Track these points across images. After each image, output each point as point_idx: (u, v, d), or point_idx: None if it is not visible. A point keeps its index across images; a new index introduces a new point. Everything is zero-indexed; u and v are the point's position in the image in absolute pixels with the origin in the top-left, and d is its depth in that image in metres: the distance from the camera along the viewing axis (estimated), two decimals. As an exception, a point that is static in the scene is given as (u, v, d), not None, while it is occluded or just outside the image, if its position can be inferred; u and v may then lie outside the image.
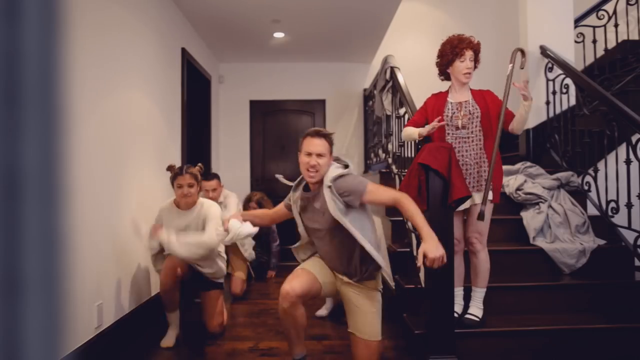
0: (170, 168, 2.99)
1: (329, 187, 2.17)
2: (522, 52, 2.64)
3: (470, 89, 2.61)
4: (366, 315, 2.26)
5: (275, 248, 4.90)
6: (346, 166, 2.30)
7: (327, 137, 2.27)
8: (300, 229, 2.40)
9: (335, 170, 2.25)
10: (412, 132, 2.57)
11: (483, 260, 2.53)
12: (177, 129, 4.18)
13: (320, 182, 2.24)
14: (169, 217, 2.96)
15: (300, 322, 2.24)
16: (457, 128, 2.54)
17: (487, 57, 2.84)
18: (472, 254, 2.56)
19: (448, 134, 2.55)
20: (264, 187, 5.70)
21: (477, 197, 2.50)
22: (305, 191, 2.34)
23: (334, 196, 2.15)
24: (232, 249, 4.01)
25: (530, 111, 2.43)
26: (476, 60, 2.57)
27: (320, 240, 2.31)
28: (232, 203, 4.04)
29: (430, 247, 1.96)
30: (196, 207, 2.95)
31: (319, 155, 2.21)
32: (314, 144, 2.22)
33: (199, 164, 3.10)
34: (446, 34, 2.69)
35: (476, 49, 2.55)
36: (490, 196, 2.48)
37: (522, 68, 2.66)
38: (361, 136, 6.11)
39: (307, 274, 2.26)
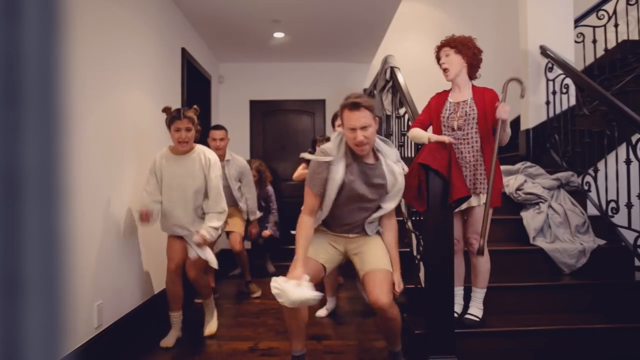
0: (166, 110, 2.87)
1: (397, 164, 2.26)
2: (519, 80, 2.50)
3: (473, 87, 2.57)
4: (374, 249, 2.32)
5: (272, 219, 4.87)
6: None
7: (367, 106, 2.12)
8: (328, 202, 2.24)
9: (391, 149, 2.30)
10: (421, 135, 2.55)
11: (483, 261, 2.52)
12: (177, 129, 4.17)
13: (374, 155, 2.26)
14: (166, 164, 2.88)
15: (303, 315, 2.23)
16: (454, 129, 2.53)
17: (486, 58, 2.82)
18: (472, 255, 2.55)
19: (445, 134, 2.54)
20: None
21: (474, 200, 2.49)
22: (358, 161, 2.22)
23: (399, 173, 2.25)
24: (230, 208, 3.70)
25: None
26: (462, 53, 2.49)
27: (345, 209, 2.27)
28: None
29: (400, 278, 2.29)
30: (193, 153, 2.90)
31: (363, 127, 2.10)
32: (355, 118, 2.09)
33: (195, 106, 2.99)
34: (446, 34, 2.68)
35: (449, 44, 2.51)
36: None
37: (523, 97, 2.59)
38: (361, 136, 6.10)
39: (309, 262, 2.26)
